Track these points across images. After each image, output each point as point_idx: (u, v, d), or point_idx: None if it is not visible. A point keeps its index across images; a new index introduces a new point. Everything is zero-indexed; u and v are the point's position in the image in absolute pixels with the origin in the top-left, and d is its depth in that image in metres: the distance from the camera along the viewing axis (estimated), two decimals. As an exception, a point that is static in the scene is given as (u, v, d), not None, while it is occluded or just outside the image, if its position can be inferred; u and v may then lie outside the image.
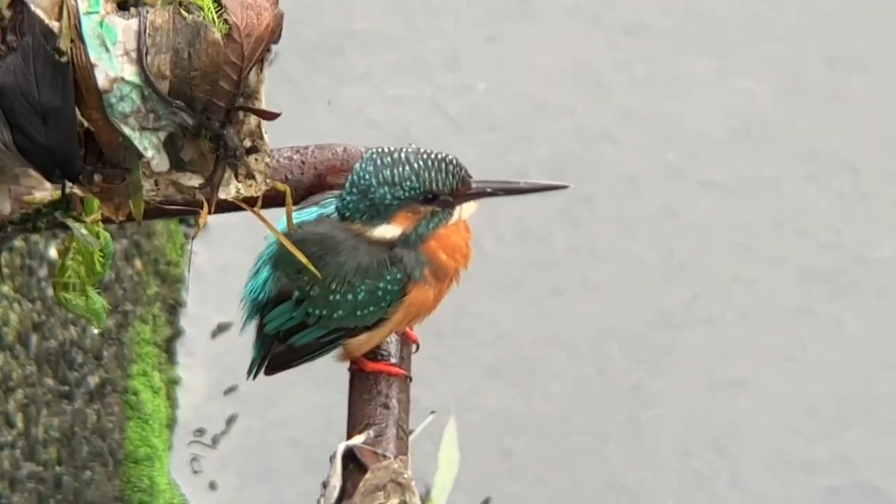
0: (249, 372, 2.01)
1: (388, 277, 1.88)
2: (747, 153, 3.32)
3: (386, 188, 1.85)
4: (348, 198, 1.87)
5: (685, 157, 3.32)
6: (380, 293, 1.88)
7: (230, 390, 3.04)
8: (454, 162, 1.87)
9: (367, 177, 1.86)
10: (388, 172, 1.85)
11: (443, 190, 1.86)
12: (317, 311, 1.90)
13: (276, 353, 1.95)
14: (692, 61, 3.42)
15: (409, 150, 1.87)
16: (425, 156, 1.86)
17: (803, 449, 3.02)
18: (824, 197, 3.27)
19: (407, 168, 1.85)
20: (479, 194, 1.89)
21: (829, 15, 3.44)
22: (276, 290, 1.93)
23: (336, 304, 1.89)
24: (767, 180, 3.30)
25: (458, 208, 1.88)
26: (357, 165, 1.87)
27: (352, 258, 1.88)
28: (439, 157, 1.86)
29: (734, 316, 3.15)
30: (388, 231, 1.87)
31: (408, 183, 1.85)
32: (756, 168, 3.31)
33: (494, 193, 1.90)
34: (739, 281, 3.18)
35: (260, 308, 1.95)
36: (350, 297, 1.88)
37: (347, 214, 1.87)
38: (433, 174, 1.85)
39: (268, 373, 1.99)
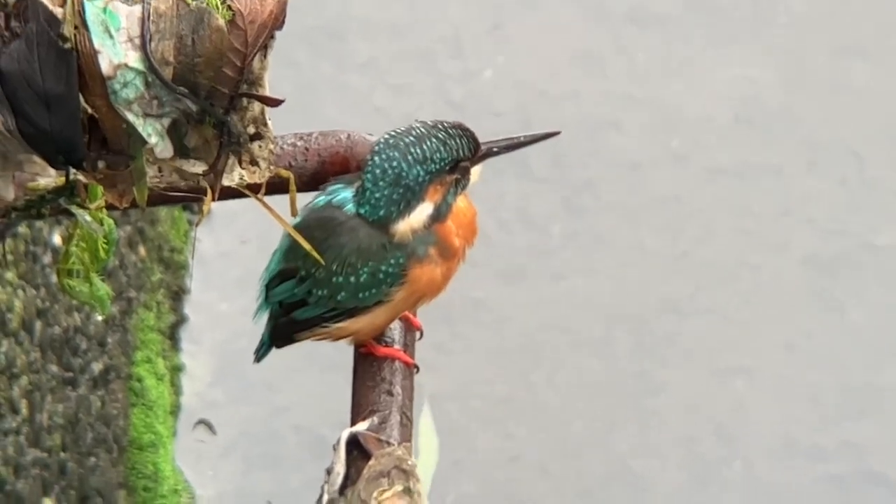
0: (257, 353, 2.01)
1: (391, 260, 1.88)
2: (751, 140, 3.32)
3: (419, 167, 1.85)
4: (377, 194, 1.86)
5: (689, 144, 3.31)
6: (381, 275, 1.88)
7: (234, 377, 3.05)
8: (465, 126, 1.88)
9: (394, 163, 1.85)
10: (416, 151, 1.85)
11: (468, 155, 1.87)
12: (320, 292, 1.90)
13: (279, 324, 1.95)
14: (695, 48, 3.41)
15: (419, 125, 1.88)
16: (441, 126, 1.87)
17: (808, 436, 3.02)
18: (828, 184, 3.27)
19: (434, 141, 1.86)
20: (488, 154, 1.90)
21: (834, 2, 3.43)
22: (283, 267, 1.93)
23: (338, 285, 1.89)
24: (771, 167, 3.29)
25: (471, 172, 1.90)
26: (375, 159, 1.86)
27: (352, 240, 1.87)
28: (452, 124, 1.87)
29: (739, 303, 3.15)
30: (423, 211, 1.87)
31: (437, 155, 1.86)
32: (760, 155, 3.30)
33: (500, 151, 1.91)
34: (744, 268, 3.18)
35: (268, 288, 1.95)
36: (352, 279, 1.88)
37: (383, 213, 1.86)
38: (457, 140, 1.87)
39: (273, 346, 1.99)
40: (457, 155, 1.87)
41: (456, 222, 1.89)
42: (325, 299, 1.90)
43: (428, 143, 1.86)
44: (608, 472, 2.98)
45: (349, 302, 1.90)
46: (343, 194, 1.90)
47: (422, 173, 1.85)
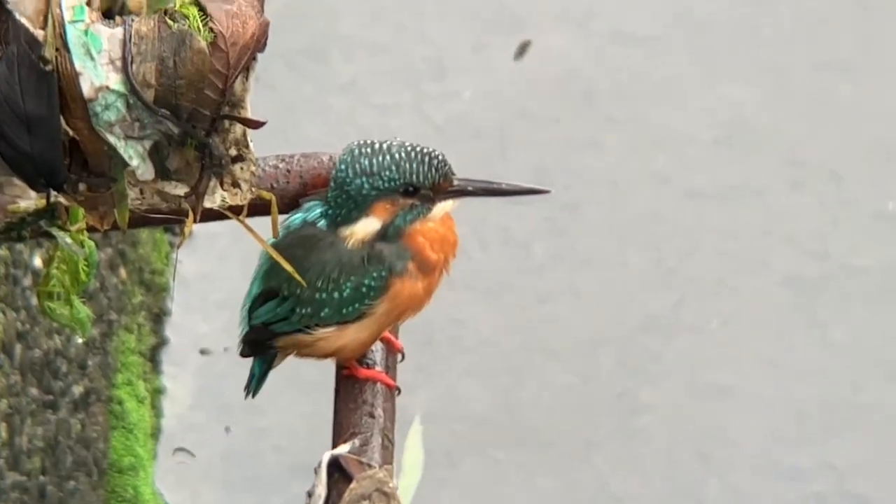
0: (248, 387, 2.00)
1: (373, 273, 1.87)
2: (733, 160, 3.33)
3: (363, 178, 1.84)
4: (330, 194, 1.87)
5: (671, 164, 3.32)
6: (364, 289, 1.87)
7: (215, 400, 3.04)
8: (438, 157, 1.85)
9: (343, 167, 1.85)
10: (365, 162, 1.84)
11: (423, 183, 1.85)
12: (303, 310, 1.90)
13: (254, 329, 1.93)
14: (677, 68, 3.42)
15: (394, 142, 1.86)
16: (409, 148, 1.85)
17: (789, 455, 3.02)
18: (809, 204, 3.28)
19: (387, 158, 1.84)
20: (460, 192, 1.87)
21: (815, 22, 3.45)
22: (264, 288, 1.92)
23: (322, 302, 1.88)
24: (753, 187, 3.30)
25: (438, 204, 1.87)
26: (337, 164, 1.87)
27: (333, 255, 1.87)
28: (423, 150, 1.85)
29: (720, 322, 3.15)
30: (368, 225, 1.86)
31: (387, 173, 1.84)
32: (742, 175, 3.31)
33: (476, 193, 1.88)
34: (725, 287, 3.19)
35: (250, 312, 1.94)
36: (336, 294, 1.88)
37: (330, 212, 1.86)
38: (414, 166, 1.84)
39: (245, 354, 1.97)
40: (410, 179, 1.84)
41: (428, 237, 1.88)
42: (307, 317, 1.90)
43: (380, 158, 1.84)
44: (592, 492, 2.98)
45: (333, 318, 1.89)
46: (317, 210, 1.90)
47: (366, 186, 1.84)
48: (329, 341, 1.92)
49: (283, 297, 1.90)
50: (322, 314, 1.89)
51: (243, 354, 1.96)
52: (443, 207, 1.87)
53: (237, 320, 1.97)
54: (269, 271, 1.92)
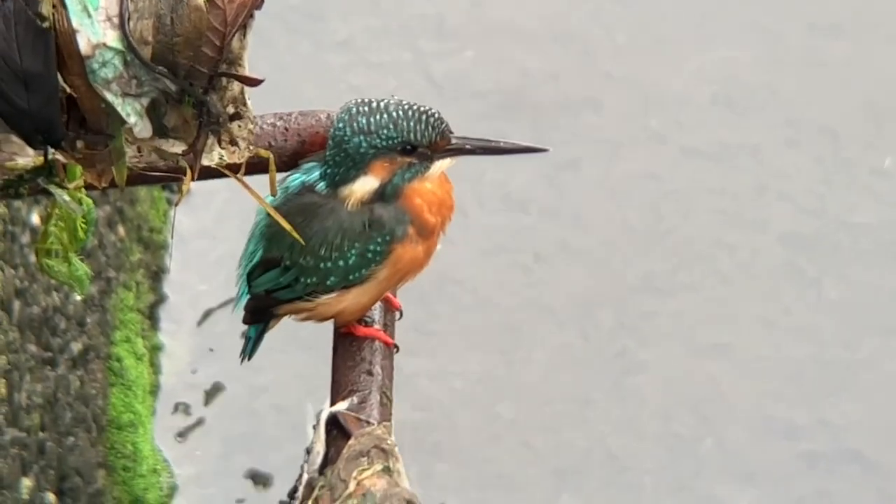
0: (243, 352, 2.00)
1: (377, 238, 1.87)
2: (729, 119, 3.33)
3: (361, 137, 1.83)
4: (328, 153, 1.86)
5: (667, 123, 3.32)
6: (369, 255, 1.87)
7: (213, 356, 3.04)
8: (435, 115, 1.85)
9: (340, 126, 1.85)
10: (363, 121, 1.83)
11: (421, 141, 1.84)
12: (308, 280, 1.89)
13: (256, 297, 1.93)
14: (674, 28, 3.41)
15: (391, 100, 1.85)
16: (406, 106, 1.84)
17: (785, 413, 3.03)
18: (805, 162, 3.28)
19: (385, 116, 1.83)
20: (458, 150, 1.87)
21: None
22: (265, 257, 1.92)
23: (328, 270, 1.88)
24: (749, 146, 3.30)
25: (435, 163, 1.87)
26: (335, 124, 1.86)
27: (335, 222, 1.87)
28: (421, 108, 1.84)
29: (717, 281, 3.15)
30: (366, 183, 1.85)
31: (385, 132, 1.83)
32: (738, 134, 3.31)
33: (473, 151, 1.88)
34: (722, 246, 3.19)
35: (249, 277, 1.94)
36: (341, 262, 1.88)
37: (328, 171, 1.86)
38: (412, 124, 1.83)
39: (247, 321, 1.97)
40: (408, 137, 1.83)
41: (426, 200, 1.88)
42: (313, 285, 1.90)
43: (378, 117, 1.83)
44: (587, 450, 2.99)
45: (338, 285, 1.89)
46: (316, 172, 1.89)
47: (364, 144, 1.84)
48: (330, 306, 1.92)
49: (286, 267, 1.90)
50: (328, 282, 1.89)
51: (245, 322, 1.97)
52: (440, 166, 1.87)
53: (234, 278, 1.98)
54: (271, 239, 1.91)
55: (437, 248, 1.92)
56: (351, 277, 1.88)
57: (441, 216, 1.90)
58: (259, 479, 2.94)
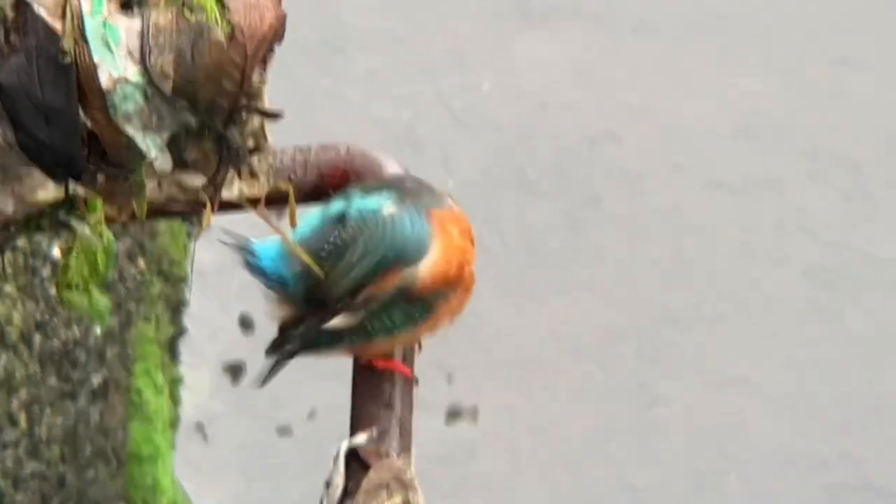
0: (260, 379, 2.00)
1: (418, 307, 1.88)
2: (752, 152, 3.32)
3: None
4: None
5: (689, 156, 3.31)
6: (416, 316, 1.88)
7: (233, 389, 3.05)
8: None
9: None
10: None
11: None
12: (354, 338, 1.90)
13: (309, 327, 1.92)
14: (695, 60, 3.42)
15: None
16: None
17: (807, 447, 3.02)
18: (828, 196, 3.27)
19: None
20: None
21: (834, 14, 3.44)
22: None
23: (373, 332, 1.89)
24: (772, 179, 3.29)
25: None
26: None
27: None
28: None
29: (739, 315, 3.15)
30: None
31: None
32: (760, 167, 3.30)
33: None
34: (744, 280, 3.18)
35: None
36: (388, 323, 1.88)
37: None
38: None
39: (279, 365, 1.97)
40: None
41: (459, 298, 1.89)
42: (358, 343, 1.90)
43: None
44: (608, 483, 2.98)
45: (383, 341, 1.90)
46: (338, 205, 1.89)
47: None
48: (360, 349, 1.93)
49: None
50: (373, 340, 1.90)
51: (278, 362, 1.97)
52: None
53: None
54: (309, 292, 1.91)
55: (470, 296, 1.94)
56: (395, 333, 1.89)
57: (469, 264, 1.91)
58: (279, 513, 2.94)
